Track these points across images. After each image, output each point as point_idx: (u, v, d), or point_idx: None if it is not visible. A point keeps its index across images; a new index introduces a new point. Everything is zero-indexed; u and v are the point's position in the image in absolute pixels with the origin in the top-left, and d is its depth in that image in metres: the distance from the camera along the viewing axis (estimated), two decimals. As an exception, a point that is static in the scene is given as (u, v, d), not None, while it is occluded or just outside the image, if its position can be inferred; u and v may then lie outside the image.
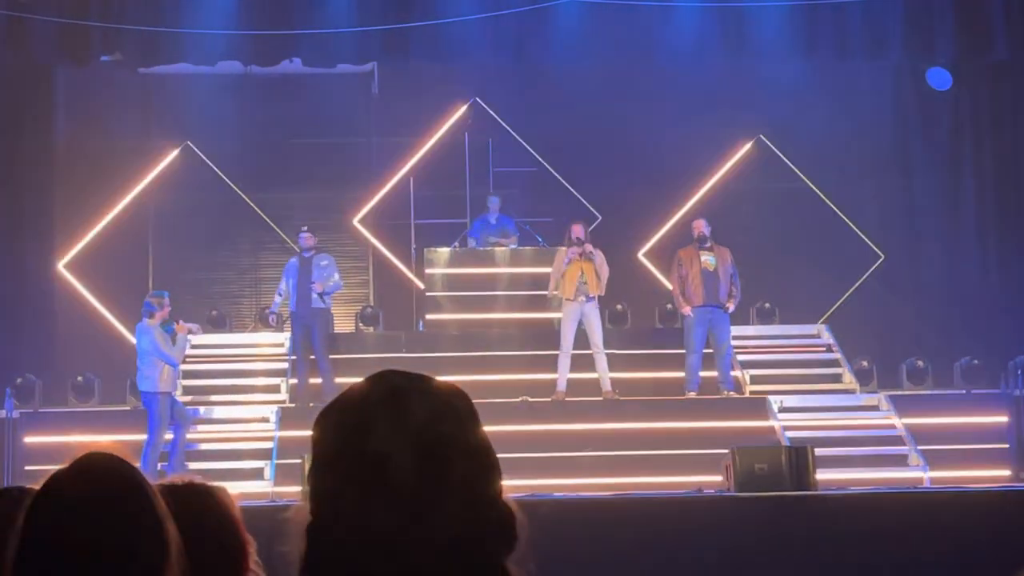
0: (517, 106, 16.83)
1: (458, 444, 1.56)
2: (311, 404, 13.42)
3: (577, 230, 13.69)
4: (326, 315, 14.02)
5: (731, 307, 13.76)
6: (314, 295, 13.78)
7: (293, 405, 13.70)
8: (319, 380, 13.67)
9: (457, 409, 1.59)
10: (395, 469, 1.52)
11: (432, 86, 16.66)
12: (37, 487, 2.62)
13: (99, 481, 1.89)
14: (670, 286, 14.40)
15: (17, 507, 2.45)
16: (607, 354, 13.64)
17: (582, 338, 13.64)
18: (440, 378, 1.64)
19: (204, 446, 13.12)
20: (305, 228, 14.37)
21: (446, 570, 1.51)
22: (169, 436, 12.51)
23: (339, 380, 13.40)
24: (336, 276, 14.04)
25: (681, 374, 13.84)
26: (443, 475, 1.53)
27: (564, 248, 13.92)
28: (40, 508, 1.89)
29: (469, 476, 1.55)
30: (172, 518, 1.91)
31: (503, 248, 15.35)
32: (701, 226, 13.87)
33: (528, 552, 1.57)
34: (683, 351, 13.89)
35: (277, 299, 14.22)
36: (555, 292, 13.80)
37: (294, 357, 14.46)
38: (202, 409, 13.70)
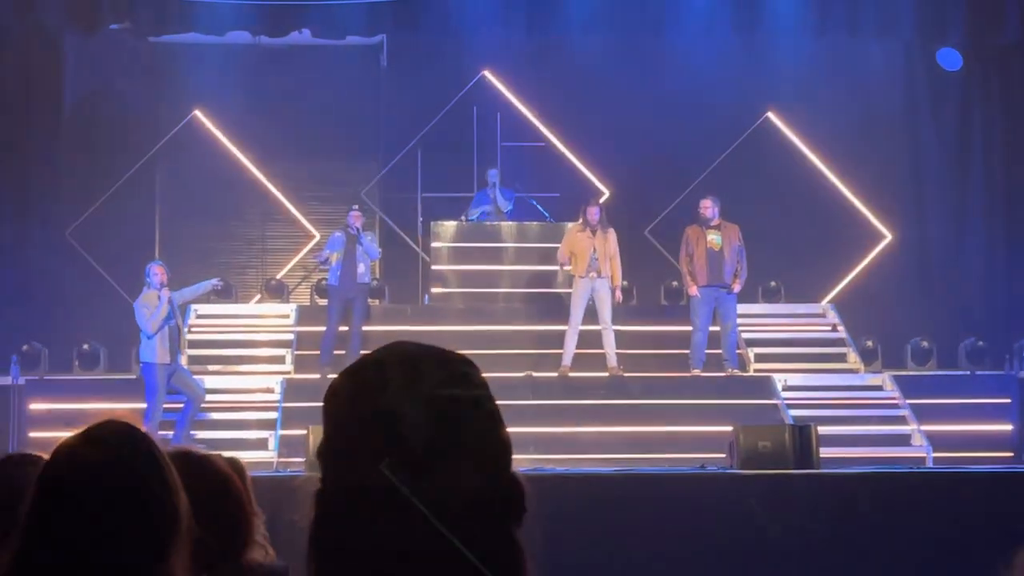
0: (526, 80, 16.80)
1: (471, 408, 1.57)
2: (331, 376, 13.41)
3: (592, 212, 13.67)
4: (368, 289, 14.19)
5: (737, 287, 13.75)
6: (359, 271, 13.84)
7: (299, 376, 13.74)
8: (342, 352, 13.65)
9: (469, 376, 1.61)
10: (407, 427, 1.53)
11: (441, 59, 16.62)
12: (44, 454, 2.65)
13: (111, 449, 1.90)
14: (678, 264, 14.39)
15: (18, 472, 2.47)
16: (614, 330, 13.63)
17: (590, 314, 13.65)
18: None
19: (208, 415, 13.15)
20: (356, 207, 14.37)
21: (455, 533, 1.52)
22: (178, 405, 12.54)
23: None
24: (375, 245, 14.33)
25: (686, 351, 13.85)
26: (455, 436, 1.54)
27: (572, 224, 13.92)
28: (52, 475, 1.90)
29: (480, 441, 1.56)
30: (183, 488, 1.92)
31: (510, 223, 15.33)
32: (707, 205, 13.85)
33: (535, 525, 1.58)
34: (689, 328, 13.90)
35: (324, 254, 14.25)
36: (567, 268, 13.78)
37: (301, 328, 14.49)
38: (207, 379, 13.72)
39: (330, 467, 1.58)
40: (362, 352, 11.77)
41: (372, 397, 1.56)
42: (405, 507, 1.52)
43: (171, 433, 12.27)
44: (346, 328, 13.89)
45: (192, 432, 12.53)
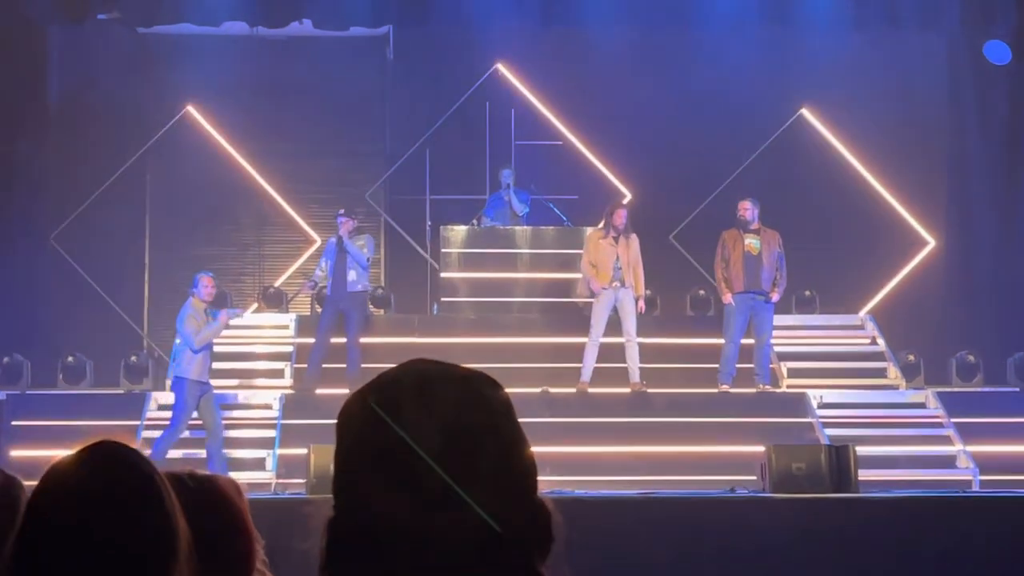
0: (542, 74, 16.81)
1: (489, 434, 1.58)
2: (317, 391, 13.45)
3: (620, 216, 13.62)
4: (364, 298, 14.03)
5: (775, 296, 13.72)
6: (349, 279, 13.79)
7: (296, 391, 13.73)
8: (334, 366, 13.63)
9: (489, 398, 1.61)
10: (421, 456, 1.54)
11: (451, 51, 16.66)
12: (18, 474, 2.64)
13: (105, 471, 1.89)
14: (712, 271, 14.34)
15: None
16: (637, 343, 13.62)
17: (609, 326, 13.64)
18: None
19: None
20: (342, 211, 14.23)
21: (474, 566, 1.52)
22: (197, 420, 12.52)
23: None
24: (366, 251, 13.93)
25: (714, 365, 13.84)
26: (472, 465, 1.54)
27: (593, 231, 13.89)
28: (43, 500, 1.90)
29: (500, 468, 1.56)
30: (182, 512, 1.92)
31: (524, 227, 15.32)
32: (747, 207, 13.82)
33: (565, 555, 1.58)
34: (716, 341, 13.88)
35: (318, 273, 14.23)
36: (591, 286, 13.74)
37: (300, 340, 14.49)
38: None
39: (342, 493, 1.58)
40: (362, 367, 11.65)
41: (382, 421, 1.56)
42: (421, 538, 1.52)
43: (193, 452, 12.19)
44: (344, 340, 13.85)
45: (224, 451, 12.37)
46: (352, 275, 13.80)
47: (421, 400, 1.57)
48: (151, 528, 1.88)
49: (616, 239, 13.57)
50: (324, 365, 13.71)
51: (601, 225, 13.87)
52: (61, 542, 1.85)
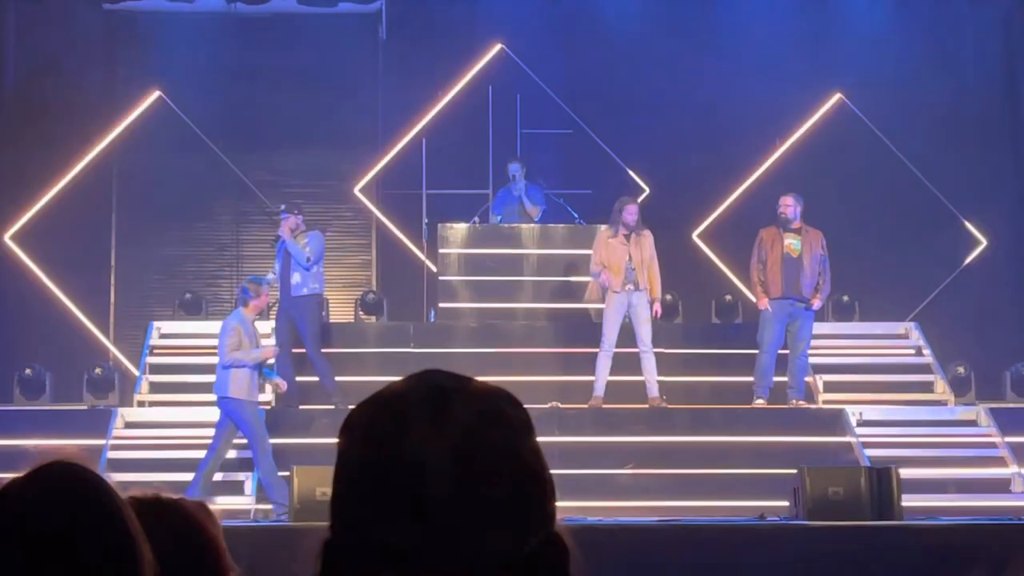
0: (551, 55, 16.82)
1: (507, 455, 1.57)
2: (301, 407, 13.46)
3: (631, 212, 13.62)
4: (312, 302, 13.89)
5: (816, 303, 13.72)
6: (293, 283, 13.75)
7: (277, 407, 13.74)
8: (315, 379, 13.63)
9: (508, 416, 1.60)
10: (431, 479, 1.53)
11: (450, 30, 16.68)
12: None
13: (59, 494, 1.89)
14: (730, 273, 14.37)
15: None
16: (656, 353, 13.64)
17: (625, 334, 13.64)
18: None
19: (174, 454, 13.15)
20: (283, 207, 14.15)
21: None
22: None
23: (336, 379, 13.43)
24: (308, 250, 13.71)
25: (741, 379, 13.84)
26: (487, 489, 1.54)
27: (605, 227, 13.90)
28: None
29: (518, 493, 1.56)
30: (146, 539, 1.92)
31: (531, 225, 15.31)
32: (788, 204, 13.79)
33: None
34: (744, 351, 13.89)
35: (271, 276, 14.21)
36: (602, 281, 13.73)
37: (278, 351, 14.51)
38: (171, 410, 13.75)
39: (339, 517, 1.58)
40: (351, 379, 11.57)
41: (390, 442, 1.55)
42: (427, 570, 1.52)
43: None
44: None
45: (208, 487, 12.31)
46: (296, 278, 13.74)
47: (432, 416, 1.56)
48: (110, 557, 1.88)
49: (628, 237, 13.58)
50: (304, 378, 13.72)
51: (610, 223, 13.85)
52: (8, 574, 1.84)
